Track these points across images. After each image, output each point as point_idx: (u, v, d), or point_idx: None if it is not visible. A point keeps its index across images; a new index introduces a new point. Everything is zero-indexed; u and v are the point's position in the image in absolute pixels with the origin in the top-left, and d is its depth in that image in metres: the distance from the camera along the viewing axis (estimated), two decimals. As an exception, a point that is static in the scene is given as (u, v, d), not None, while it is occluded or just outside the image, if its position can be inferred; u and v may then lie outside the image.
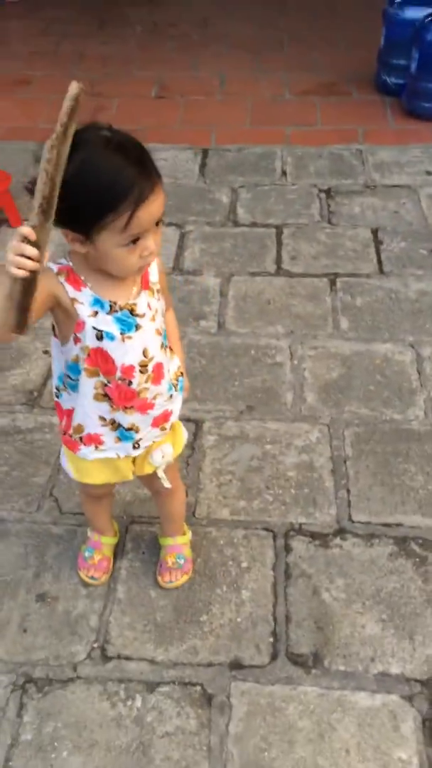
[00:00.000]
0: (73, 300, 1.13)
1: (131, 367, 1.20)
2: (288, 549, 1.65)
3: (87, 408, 1.26)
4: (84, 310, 1.14)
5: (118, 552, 1.65)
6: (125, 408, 1.25)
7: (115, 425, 1.28)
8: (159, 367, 1.24)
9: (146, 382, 1.23)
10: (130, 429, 1.29)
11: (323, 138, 3.37)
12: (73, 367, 1.22)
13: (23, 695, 1.40)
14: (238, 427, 1.96)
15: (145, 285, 1.20)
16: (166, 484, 1.41)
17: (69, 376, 1.24)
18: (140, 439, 1.31)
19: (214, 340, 2.25)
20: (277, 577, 1.59)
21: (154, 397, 1.27)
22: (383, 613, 1.52)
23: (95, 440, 1.30)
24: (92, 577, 1.58)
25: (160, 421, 1.32)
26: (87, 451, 1.32)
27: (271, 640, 1.48)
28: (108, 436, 1.30)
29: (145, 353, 1.21)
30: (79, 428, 1.29)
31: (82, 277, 1.14)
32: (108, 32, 4.68)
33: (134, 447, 1.32)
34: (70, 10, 5.04)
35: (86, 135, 1.00)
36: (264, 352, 2.21)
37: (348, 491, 1.77)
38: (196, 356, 2.19)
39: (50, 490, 1.80)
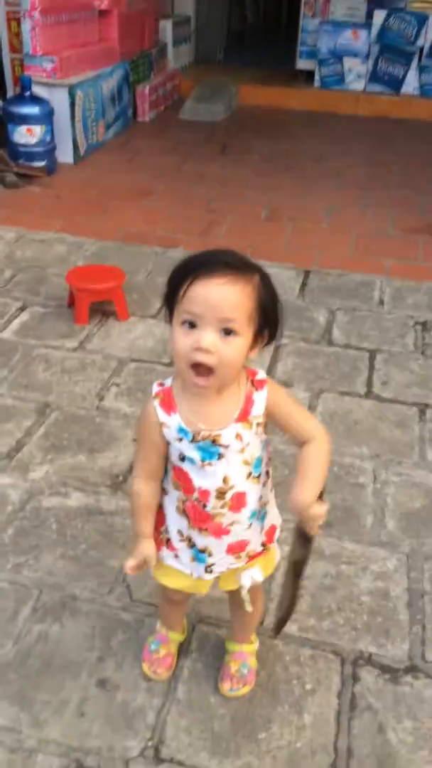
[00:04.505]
0: (162, 424, 1.21)
1: (207, 492, 1.23)
2: (356, 678, 1.59)
3: (170, 518, 1.31)
4: (171, 434, 1.21)
5: (182, 650, 1.64)
6: (200, 529, 1.28)
7: (190, 543, 1.31)
8: (239, 497, 1.25)
9: (222, 507, 1.25)
10: (203, 551, 1.30)
11: (423, 274, 3.49)
12: (166, 470, 1.29)
13: (72, 783, 1.38)
14: (315, 542, 1.95)
15: (242, 417, 1.19)
16: (248, 608, 1.39)
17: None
18: (213, 564, 1.32)
19: (299, 452, 2.28)
20: (341, 706, 1.54)
21: (231, 524, 1.27)
22: (452, 765, 1.43)
23: (174, 549, 1.34)
24: (155, 672, 1.57)
25: (236, 549, 1.31)
26: (166, 555, 1.36)
27: (330, 773, 1.41)
28: (184, 552, 1.33)
29: (225, 480, 1.22)
30: (168, 529, 1.34)
31: (177, 401, 1.20)
32: (229, 157, 5.09)
33: (206, 571, 1.33)
34: (196, 135, 5.54)
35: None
36: (347, 471, 2.22)
37: (423, 628, 1.71)
38: (280, 465, 2.21)
39: (124, 575, 1.82)
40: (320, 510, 1.22)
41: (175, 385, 1.22)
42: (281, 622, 1.47)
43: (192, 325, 1.09)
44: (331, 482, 2.16)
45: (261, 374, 1.23)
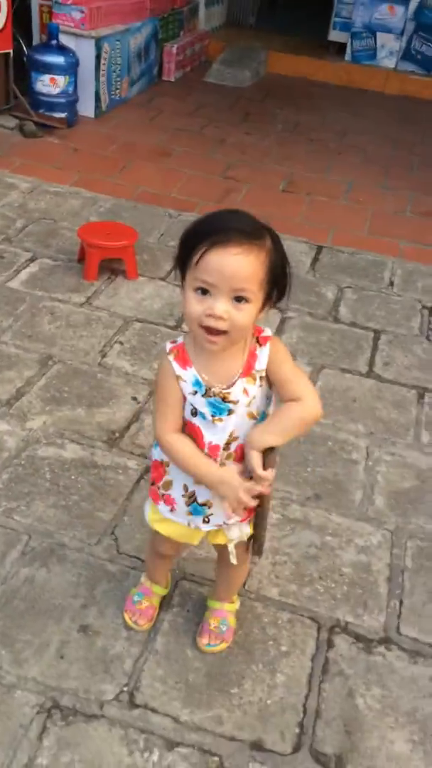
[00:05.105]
0: (179, 377, 1.24)
1: (217, 447, 1.27)
2: (330, 644, 1.63)
3: (175, 473, 1.34)
4: (186, 388, 1.24)
5: (164, 603, 1.68)
6: None
7: (192, 498, 1.34)
8: (242, 448, 1.28)
9: (227, 459, 1.29)
10: (204, 504, 1.34)
11: (436, 259, 3.47)
12: None
13: (47, 719, 1.42)
14: (303, 512, 1.98)
15: (247, 371, 1.23)
16: (233, 560, 1.43)
17: None
18: (211, 514, 1.35)
19: (295, 423, 2.30)
20: (314, 669, 1.58)
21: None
22: (415, 734, 1.48)
23: (172, 503, 1.37)
24: (135, 622, 1.61)
25: None
26: (164, 509, 1.39)
27: (297, 730, 1.46)
28: (181, 507, 1.36)
29: (231, 433, 1.26)
30: (167, 485, 1.36)
31: (191, 356, 1.24)
32: (251, 125, 5.02)
33: (204, 521, 1.36)
34: (219, 99, 5.45)
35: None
36: (341, 447, 2.24)
37: (401, 602, 1.75)
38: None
39: (113, 528, 1.86)
40: (258, 464, 1.20)
41: (187, 341, 1.26)
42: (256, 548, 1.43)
43: (204, 292, 1.12)
44: (324, 456, 2.19)
45: (267, 332, 1.26)
